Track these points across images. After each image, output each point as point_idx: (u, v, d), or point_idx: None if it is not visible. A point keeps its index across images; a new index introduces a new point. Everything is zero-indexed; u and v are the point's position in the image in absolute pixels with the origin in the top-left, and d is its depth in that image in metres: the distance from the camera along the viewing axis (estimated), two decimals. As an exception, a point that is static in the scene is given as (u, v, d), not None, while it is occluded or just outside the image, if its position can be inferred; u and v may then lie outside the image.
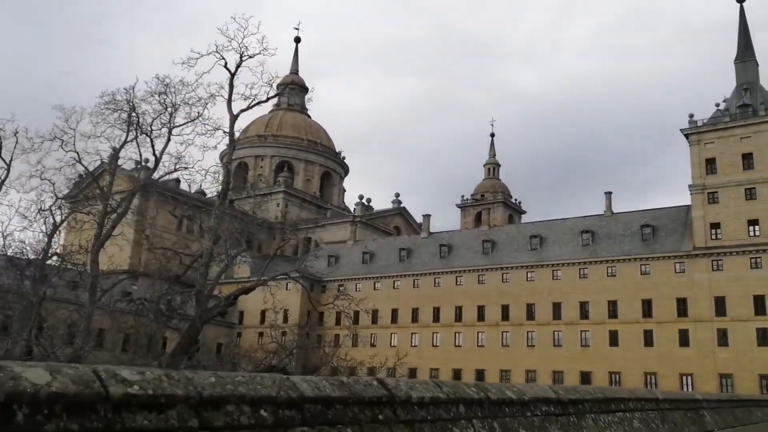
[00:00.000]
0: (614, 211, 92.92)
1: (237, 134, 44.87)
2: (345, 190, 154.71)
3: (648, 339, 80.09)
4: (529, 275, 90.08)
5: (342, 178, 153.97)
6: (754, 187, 79.03)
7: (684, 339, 78.02)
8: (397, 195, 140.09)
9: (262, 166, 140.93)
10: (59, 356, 33.62)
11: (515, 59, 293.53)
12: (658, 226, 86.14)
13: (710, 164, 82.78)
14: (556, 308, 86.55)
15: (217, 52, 41.29)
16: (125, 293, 57.36)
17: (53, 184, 43.15)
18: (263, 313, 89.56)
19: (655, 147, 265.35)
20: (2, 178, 43.47)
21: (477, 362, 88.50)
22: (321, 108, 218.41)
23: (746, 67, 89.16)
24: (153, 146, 42.64)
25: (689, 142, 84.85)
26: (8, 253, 44.30)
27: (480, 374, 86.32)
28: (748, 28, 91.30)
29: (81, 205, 48.79)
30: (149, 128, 42.23)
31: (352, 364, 57.71)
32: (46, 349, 34.35)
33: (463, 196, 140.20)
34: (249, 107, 42.25)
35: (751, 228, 78.36)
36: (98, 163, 44.86)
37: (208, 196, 64.06)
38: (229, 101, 41.27)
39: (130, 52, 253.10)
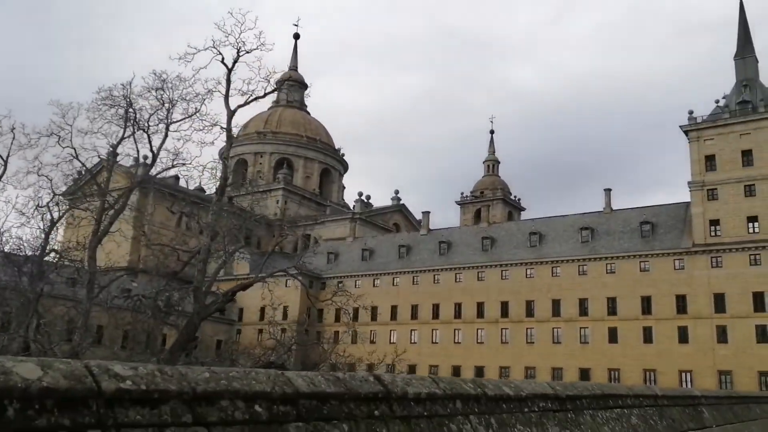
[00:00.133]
0: (614, 208, 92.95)
1: (235, 130, 44.75)
2: (344, 187, 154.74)
3: (647, 336, 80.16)
4: (528, 272, 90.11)
5: (341, 175, 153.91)
6: (754, 184, 79.02)
7: (683, 336, 78.08)
8: (397, 192, 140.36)
9: (261, 163, 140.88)
10: (56, 352, 33.59)
11: (515, 57, 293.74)
12: (657, 223, 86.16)
13: (710, 161, 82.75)
14: (556, 305, 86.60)
15: (214, 47, 41.21)
16: (125, 290, 57.33)
17: (50, 180, 43.03)
18: (263, 310, 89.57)
19: (655, 144, 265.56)
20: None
21: (476, 359, 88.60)
22: (320, 105, 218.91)
23: (746, 64, 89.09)
24: (150, 142, 42.55)
25: (689, 139, 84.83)
26: (5, 250, 44.17)
27: (479, 371, 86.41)
28: (747, 25, 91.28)
29: (79, 202, 48.68)
30: (146, 124, 42.15)
31: (351, 360, 57.73)
32: (43, 346, 34.32)
33: (462, 193, 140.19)
34: (246, 103, 42.15)
35: (750, 225, 78.38)
36: (95, 159, 44.73)
37: (208, 192, 64.03)
38: (227, 97, 41.19)
39: (128, 50, 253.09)
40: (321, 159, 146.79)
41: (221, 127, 41.86)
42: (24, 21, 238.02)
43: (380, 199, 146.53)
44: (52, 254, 45.31)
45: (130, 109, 41.76)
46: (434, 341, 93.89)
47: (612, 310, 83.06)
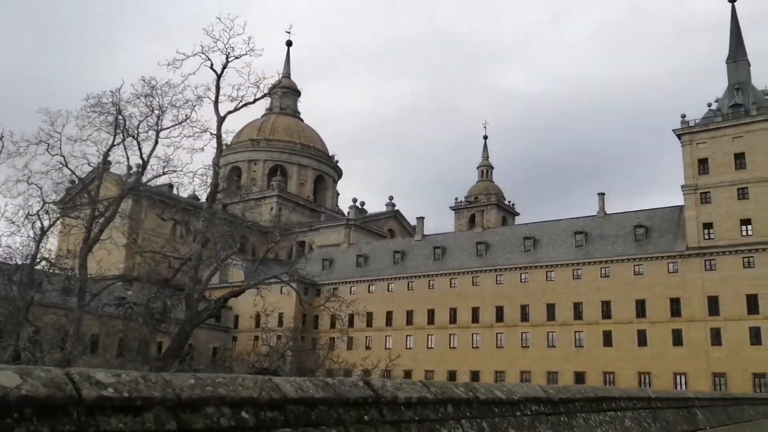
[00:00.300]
0: (607, 212, 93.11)
1: (227, 136, 44.57)
2: (339, 194, 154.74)
3: (641, 339, 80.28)
4: (522, 276, 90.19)
5: (335, 182, 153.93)
6: (747, 187, 79.26)
7: (677, 338, 78.20)
8: (391, 198, 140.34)
9: (255, 170, 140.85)
10: (46, 361, 33.36)
11: (510, 61, 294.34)
12: (651, 227, 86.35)
13: (702, 164, 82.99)
14: (550, 309, 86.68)
15: (203, 53, 40.98)
16: (120, 298, 57.14)
17: (40, 188, 42.67)
18: (258, 317, 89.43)
19: (649, 147, 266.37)
20: None
21: (472, 364, 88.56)
22: (314, 111, 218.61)
23: (738, 67, 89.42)
24: (140, 149, 42.22)
25: (681, 143, 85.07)
26: (-4, 259, 43.93)
27: (475, 375, 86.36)
28: (739, 28, 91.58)
29: (70, 210, 48.38)
30: (136, 131, 41.86)
31: (347, 366, 57.75)
32: (34, 355, 34.10)
33: (456, 199, 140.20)
34: (236, 109, 41.93)
35: (743, 227, 78.61)
36: (85, 166, 44.36)
37: (202, 200, 63.77)
38: (216, 103, 41.03)
39: (126, 54, 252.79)
40: (315, 166, 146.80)
41: (211, 134, 41.70)
42: (23, 21, 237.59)
43: (375, 205, 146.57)
44: (43, 263, 45.06)
45: (120, 116, 41.51)
46: (429, 346, 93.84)
47: (606, 313, 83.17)
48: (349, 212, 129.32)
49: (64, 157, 41.94)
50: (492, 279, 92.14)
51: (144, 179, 45.89)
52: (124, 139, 42.07)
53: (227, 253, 41.98)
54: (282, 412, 3.59)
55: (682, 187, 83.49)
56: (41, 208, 43.13)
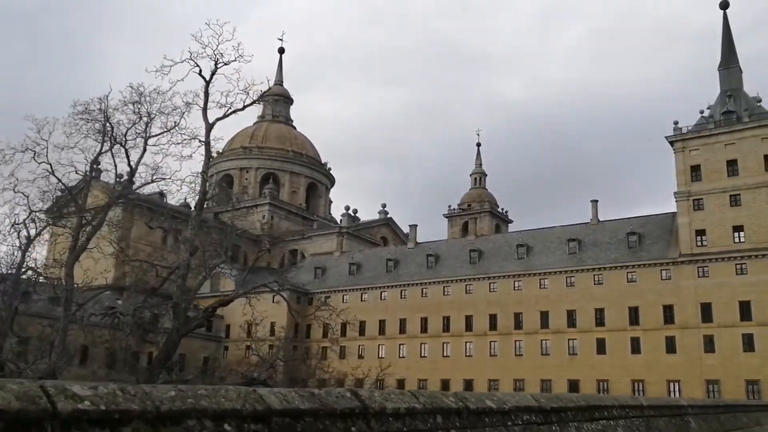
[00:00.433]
0: (600, 219, 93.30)
1: (214, 143, 44.18)
2: (331, 202, 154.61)
3: (635, 346, 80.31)
4: (516, 284, 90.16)
5: (328, 190, 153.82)
6: (739, 194, 79.50)
7: (671, 346, 78.26)
8: (384, 206, 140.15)
9: (247, 178, 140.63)
10: (30, 372, 33.01)
11: (502, 68, 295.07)
12: (644, 234, 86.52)
13: (695, 171, 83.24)
14: (544, 317, 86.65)
15: (191, 59, 40.71)
16: (110, 307, 56.79)
17: (27, 196, 42.26)
18: (249, 326, 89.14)
19: (641, 154, 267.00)
20: None
21: (465, 372, 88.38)
22: (307, 119, 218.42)
23: (730, 74, 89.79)
24: (128, 157, 41.87)
25: (674, 150, 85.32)
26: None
27: (468, 384, 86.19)
28: (731, 35, 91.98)
29: (57, 219, 47.94)
30: (124, 138, 41.54)
31: (339, 376, 57.53)
32: (18, 366, 33.77)
33: (449, 206, 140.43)
34: (225, 115, 41.55)
35: (736, 234, 78.82)
36: (73, 174, 44.00)
37: (193, 208, 63.36)
38: (205, 109, 40.75)
39: (109, 65, 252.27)
40: (307, 173, 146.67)
41: (200, 141, 41.39)
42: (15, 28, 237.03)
43: (367, 213, 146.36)
44: (30, 272, 44.63)
45: (107, 124, 41.15)
46: (423, 355, 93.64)
47: (600, 321, 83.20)
48: (341, 220, 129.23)
49: (50, 164, 41.63)
50: (485, 287, 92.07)
51: (133, 187, 45.54)
52: (111, 147, 41.71)
53: (216, 262, 41.72)
54: (266, 424, 3.52)
55: (675, 194, 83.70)
56: (27, 217, 42.74)
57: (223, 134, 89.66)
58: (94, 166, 43.43)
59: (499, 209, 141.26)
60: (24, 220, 42.41)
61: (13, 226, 42.14)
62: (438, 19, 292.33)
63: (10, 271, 42.18)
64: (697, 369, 75.96)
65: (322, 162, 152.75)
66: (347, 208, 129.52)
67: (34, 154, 41.15)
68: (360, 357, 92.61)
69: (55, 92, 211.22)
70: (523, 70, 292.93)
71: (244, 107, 42.22)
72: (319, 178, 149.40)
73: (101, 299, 52.29)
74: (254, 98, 42.11)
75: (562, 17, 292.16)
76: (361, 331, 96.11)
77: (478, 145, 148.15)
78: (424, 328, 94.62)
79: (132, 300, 41.12)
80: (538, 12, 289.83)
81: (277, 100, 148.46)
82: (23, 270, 42.67)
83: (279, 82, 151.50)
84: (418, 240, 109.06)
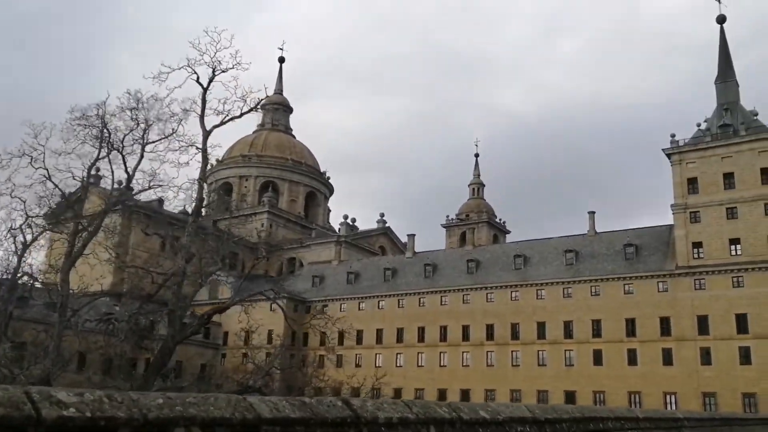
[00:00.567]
0: (598, 231, 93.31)
1: (212, 151, 44.29)
2: (330, 210, 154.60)
3: (632, 358, 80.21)
4: (513, 295, 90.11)
5: (327, 198, 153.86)
6: (736, 207, 79.60)
7: (667, 358, 78.18)
8: (382, 215, 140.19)
9: (246, 186, 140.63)
10: (24, 378, 32.86)
11: (502, 77, 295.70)
12: (641, 246, 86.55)
13: (692, 184, 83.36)
14: (541, 328, 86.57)
15: (189, 66, 40.74)
16: (107, 313, 56.63)
17: (24, 202, 42.26)
18: (247, 333, 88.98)
19: (639, 166, 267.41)
20: None
21: (462, 382, 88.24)
22: (306, 128, 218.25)
23: (727, 88, 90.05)
24: (125, 163, 41.82)
25: (671, 162, 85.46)
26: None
27: (465, 394, 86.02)
28: (728, 49, 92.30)
29: (53, 224, 47.85)
30: (121, 144, 41.49)
31: (335, 385, 57.37)
32: (12, 371, 33.60)
33: (447, 216, 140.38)
34: (222, 123, 41.60)
35: (732, 247, 78.88)
36: (70, 180, 43.94)
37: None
38: (202, 117, 40.75)
39: (108, 71, 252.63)
40: (306, 182, 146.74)
41: (197, 148, 41.35)
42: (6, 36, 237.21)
43: (365, 222, 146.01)
44: (25, 277, 44.50)
45: (105, 130, 41.10)
46: (420, 364, 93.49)
47: (597, 332, 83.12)
48: (340, 229, 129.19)
49: (47, 170, 41.57)
50: (482, 297, 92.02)
51: (130, 194, 45.47)
52: (109, 153, 41.69)
53: (212, 269, 41.68)
54: (256, 432, 3.48)
55: (672, 206, 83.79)
56: (24, 222, 42.71)
57: (222, 142, 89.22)
58: (93, 172, 43.31)
59: (497, 219, 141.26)
60: (20, 225, 42.40)
61: (9, 231, 42.12)
62: (439, 28, 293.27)
63: (6, 276, 42.05)
64: (693, 381, 75.86)
65: (321, 171, 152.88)
66: (346, 217, 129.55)
67: (31, 159, 41.09)
68: (357, 366, 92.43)
69: (52, 98, 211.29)
70: (523, 81, 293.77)
71: (242, 115, 42.28)
72: (317, 187, 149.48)
73: (97, 305, 52.11)
74: (252, 106, 42.18)
75: (562, 28, 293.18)
76: (359, 340, 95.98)
77: (477, 155, 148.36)
78: (421, 338, 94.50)
79: (128, 306, 40.97)
80: (538, 22, 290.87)
81: (276, 109, 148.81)
82: (19, 275, 42.55)
83: (279, 91, 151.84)
84: (416, 249, 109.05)
